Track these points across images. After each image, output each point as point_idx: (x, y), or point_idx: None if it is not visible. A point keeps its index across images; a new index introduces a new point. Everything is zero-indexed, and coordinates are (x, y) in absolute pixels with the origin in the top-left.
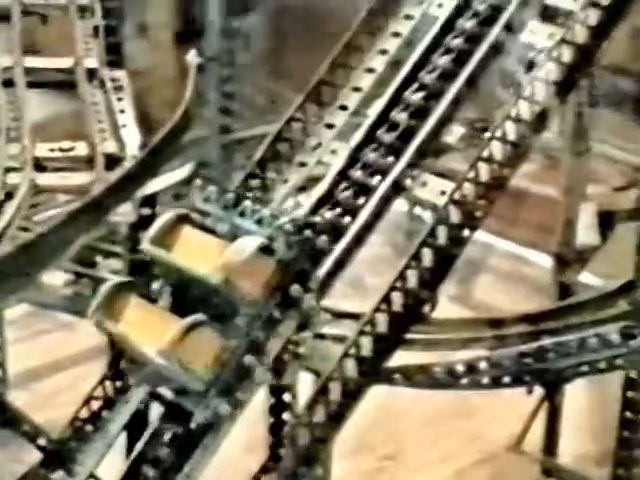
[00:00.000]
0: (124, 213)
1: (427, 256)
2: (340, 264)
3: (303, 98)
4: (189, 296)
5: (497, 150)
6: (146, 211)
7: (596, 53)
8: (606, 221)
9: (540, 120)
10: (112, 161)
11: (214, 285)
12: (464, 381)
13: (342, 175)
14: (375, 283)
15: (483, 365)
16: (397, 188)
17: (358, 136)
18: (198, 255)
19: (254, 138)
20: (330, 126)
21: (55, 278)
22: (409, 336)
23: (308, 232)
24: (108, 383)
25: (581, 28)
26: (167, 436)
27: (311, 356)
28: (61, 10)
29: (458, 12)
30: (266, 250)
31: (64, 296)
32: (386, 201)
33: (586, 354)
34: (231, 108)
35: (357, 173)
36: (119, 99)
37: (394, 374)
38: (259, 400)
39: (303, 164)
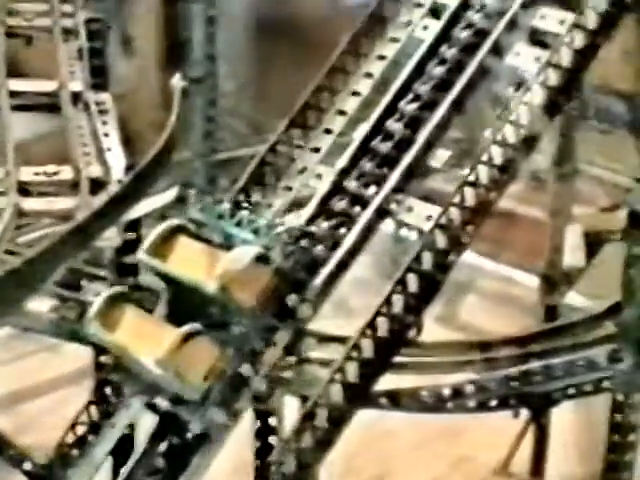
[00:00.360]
0: (109, 237)
1: (413, 281)
2: (336, 274)
3: (288, 122)
4: (185, 305)
5: (483, 174)
6: (131, 235)
7: (582, 76)
8: (593, 242)
9: (527, 144)
10: (97, 185)
11: (211, 294)
12: (451, 405)
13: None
14: (361, 304)
15: (470, 389)
16: (382, 213)
17: (343, 160)
18: (194, 264)
19: (239, 160)
20: (315, 150)
21: (40, 304)
22: (396, 359)
23: (304, 242)
24: (93, 408)
25: (567, 51)
26: (162, 447)
27: (297, 381)
28: (45, 32)
29: (444, 35)
30: (263, 259)
31: (49, 319)
32: (370, 228)
33: (573, 377)
34: (215, 130)
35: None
36: (104, 122)
37: (381, 398)
38: (245, 423)
39: (288, 188)
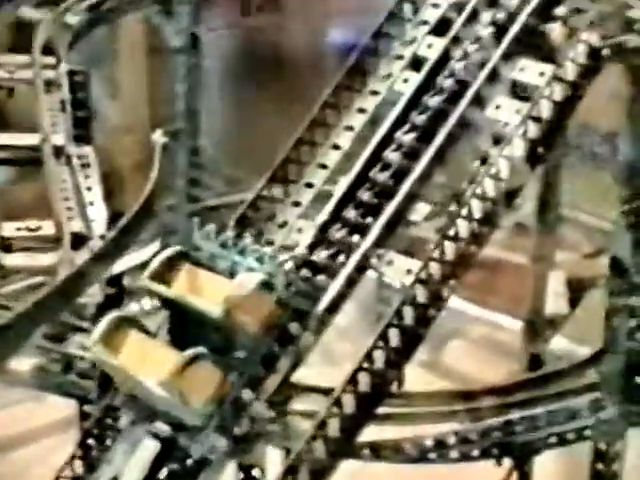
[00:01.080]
0: (91, 293)
1: (394, 336)
2: (338, 303)
3: (268, 176)
4: (188, 331)
5: (463, 228)
6: (113, 290)
7: (563, 127)
8: (576, 289)
9: (507, 196)
10: (79, 240)
11: (215, 319)
12: (433, 455)
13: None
14: (345, 349)
15: (452, 439)
16: (363, 267)
17: (324, 214)
18: (197, 290)
19: (222, 207)
20: (296, 204)
21: (21, 364)
22: (379, 410)
23: (306, 270)
24: (77, 462)
25: (547, 103)
26: (163, 473)
27: (280, 433)
28: (27, 84)
29: (424, 88)
30: (266, 286)
31: (32, 372)
32: (351, 282)
33: (555, 426)
34: (199, 178)
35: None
36: (86, 176)
37: (363, 449)
38: (228, 475)
39: (269, 243)
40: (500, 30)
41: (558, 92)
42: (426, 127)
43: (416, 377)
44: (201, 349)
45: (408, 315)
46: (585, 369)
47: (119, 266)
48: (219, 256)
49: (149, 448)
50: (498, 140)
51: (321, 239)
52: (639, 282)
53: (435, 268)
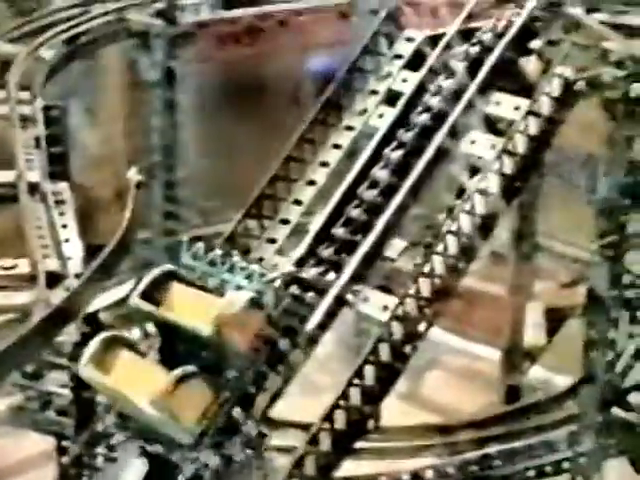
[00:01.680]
0: (67, 332)
1: (370, 373)
2: (326, 320)
3: (244, 212)
4: (178, 350)
5: (438, 264)
6: (89, 329)
7: (539, 161)
8: (554, 319)
9: (483, 231)
10: (54, 279)
11: (205, 337)
12: None
13: None
14: (325, 382)
15: (429, 474)
16: (339, 304)
17: (300, 250)
18: (187, 309)
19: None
20: (271, 241)
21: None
22: (357, 445)
23: (295, 287)
24: None
25: (522, 138)
26: None
27: (258, 470)
28: (3, 119)
29: (399, 122)
30: (256, 304)
31: (10, 411)
32: (330, 316)
33: (533, 460)
34: (175, 211)
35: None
36: (61, 213)
37: None
38: None
39: (260, 259)
40: (475, 64)
41: (533, 126)
42: (401, 163)
43: (394, 408)
44: (191, 368)
45: (384, 352)
46: (563, 401)
47: (95, 304)
48: (208, 274)
49: (139, 467)
50: (473, 176)
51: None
52: (617, 315)
53: (411, 304)
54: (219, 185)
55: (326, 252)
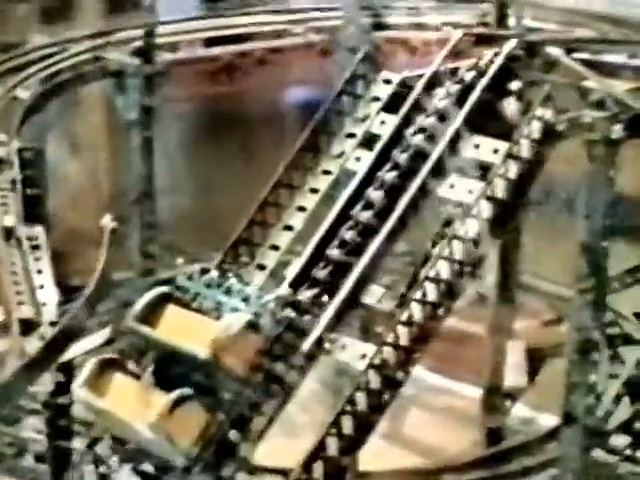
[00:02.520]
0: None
1: (347, 423)
2: (322, 341)
3: (221, 258)
4: (173, 372)
5: (417, 312)
6: (63, 377)
7: (519, 206)
8: (535, 358)
9: (462, 276)
10: (29, 326)
11: (202, 360)
12: None
13: None
14: (305, 421)
15: None
16: (319, 350)
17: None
18: (183, 332)
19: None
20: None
21: None
22: None
23: (290, 310)
24: None
25: (501, 182)
26: None
27: None
28: None
29: (377, 165)
30: (253, 327)
31: None
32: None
33: None
34: (153, 251)
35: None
36: (36, 258)
37: None
38: None
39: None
40: (457, 102)
41: (513, 170)
42: (382, 204)
43: (375, 447)
44: (187, 390)
45: (361, 401)
46: (544, 444)
47: (70, 353)
48: (204, 296)
49: None
50: (450, 222)
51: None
52: (598, 359)
53: (389, 352)
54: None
55: (306, 293)
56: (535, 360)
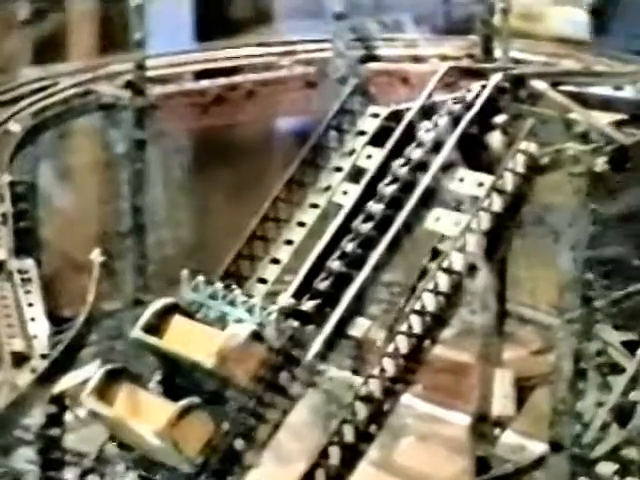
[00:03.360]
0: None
1: (335, 454)
2: (325, 352)
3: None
4: (179, 381)
5: (403, 344)
6: (54, 409)
7: (503, 238)
8: (523, 386)
9: (446, 310)
10: (20, 359)
11: (208, 370)
12: None
13: None
14: (296, 448)
15: None
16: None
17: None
18: (189, 342)
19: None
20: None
21: None
22: None
23: (293, 320)
24: None
25: (486, 215)
26: None
27: None
28: None
29: (364, 199)
30: (257, 337)
31: None
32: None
33: None
34: (144, 282)
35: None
36: (27, 292)
37: None
38: None
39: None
40: (441, 138)
41: (497, 203)
42: (369, 235)
43: (364, 475)
44: (194, 399)
45: (348, 433)
46: (531, 472)
47: (61, 385)
48: (209, 307)
49: None
50: (435, 255)
51: None
52: (584, 388)
53: (375, 384)
54: (188, 254)
55: (293, 324)
56: (524, 389)
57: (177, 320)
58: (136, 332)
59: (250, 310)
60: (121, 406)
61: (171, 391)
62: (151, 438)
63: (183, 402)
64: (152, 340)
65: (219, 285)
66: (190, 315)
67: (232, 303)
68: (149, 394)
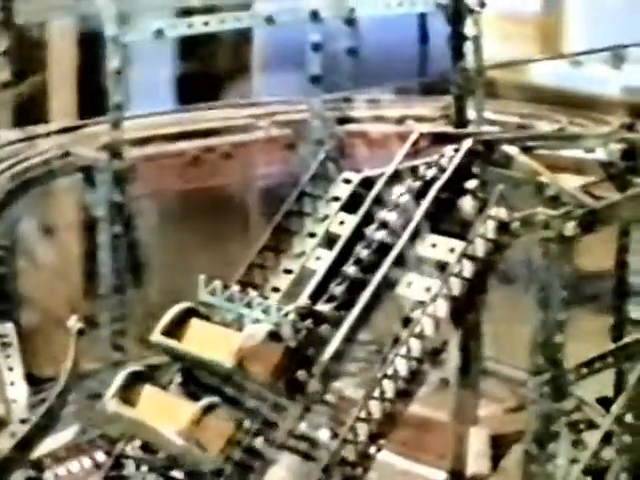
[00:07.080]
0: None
1: None
2: (341, 351)
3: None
4: (199, 383)
5: (375, 409)
6: (34, 474)
7: (473, 304)
8: (499, 444)
9: (417, 375)
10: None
11: (227, 370)
12: None
13: None
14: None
15: None
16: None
17: None
18: (208, 343)
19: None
20: None
21: None
22: None
23: (310, 321)
24: None
25: (457, 281)
26: None
27: None
28: None
29: (337, 264)
30: (274, 337)
31: None
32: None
33: None
34: (123, 343)
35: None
36: (7, 356)
37: None
38: None
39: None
40: (418, 197)
41: (468, 269)
42: (344, 298)
43: None
44: (215, 399)
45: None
46: None
47: (40, 451)
48: (226, 310)
49: None
50: (407, 322)
51: None
52: (555, 451)
53: (361, 428)
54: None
55: None
56: (499, 446)
57: (195, 323)
58: (156, 336)
59: (266, 311)
60: (143, 408)
61: (192, 392)
62: (174, 438)
63: (204, 401)
64: (171, 343)
65: (235, 288)
66: (207, 318)
67: (249, 305)
68: (170, 395)
